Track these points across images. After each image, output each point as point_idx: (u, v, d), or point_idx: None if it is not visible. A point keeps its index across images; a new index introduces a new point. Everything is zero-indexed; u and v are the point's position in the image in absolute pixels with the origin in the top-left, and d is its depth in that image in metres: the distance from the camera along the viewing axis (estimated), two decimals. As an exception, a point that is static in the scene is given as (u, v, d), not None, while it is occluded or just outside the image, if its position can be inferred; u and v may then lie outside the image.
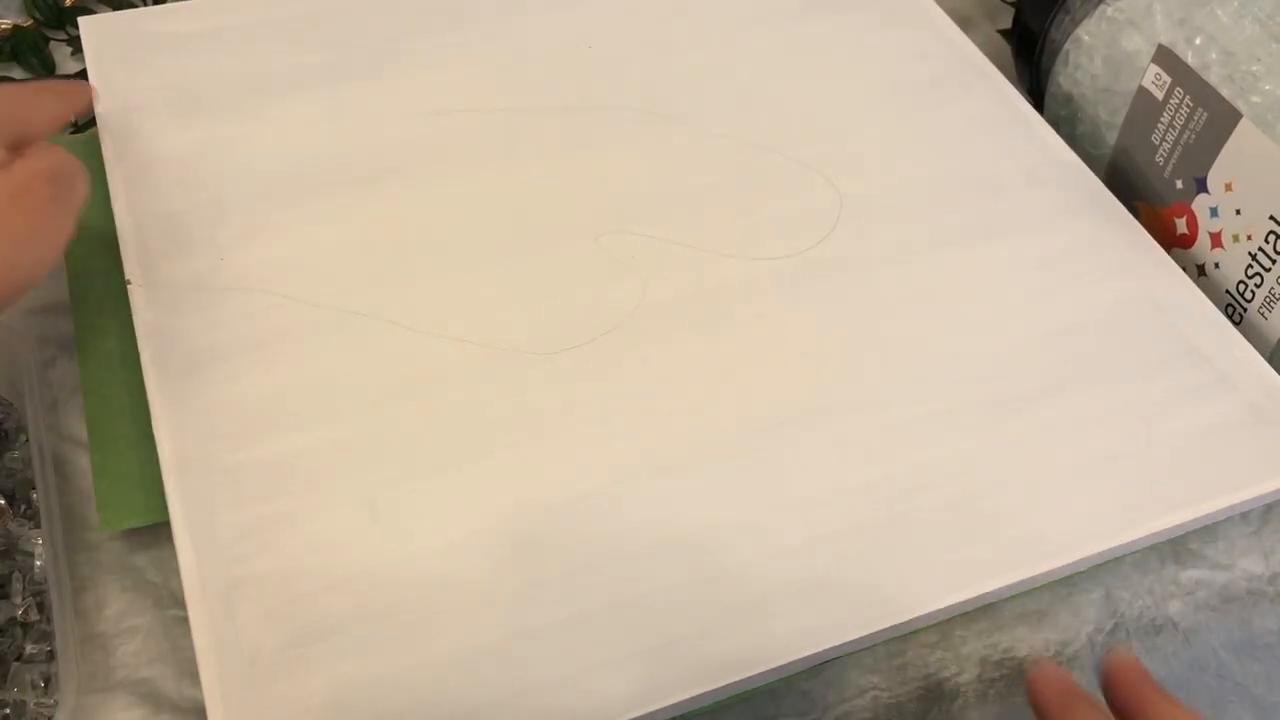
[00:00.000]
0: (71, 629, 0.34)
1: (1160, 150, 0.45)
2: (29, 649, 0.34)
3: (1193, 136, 0.44)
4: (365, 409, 0.36)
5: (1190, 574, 0.39)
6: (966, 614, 0.36)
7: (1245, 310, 0.43)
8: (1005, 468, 0.37)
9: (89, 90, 0.42)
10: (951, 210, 0.44)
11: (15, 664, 0.33)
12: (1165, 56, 0.44)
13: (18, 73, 0.52)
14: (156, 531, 0.36)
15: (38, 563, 0.35)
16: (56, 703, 0.33)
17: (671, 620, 0.33)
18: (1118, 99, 0.47)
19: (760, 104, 0.47)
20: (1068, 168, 0.47)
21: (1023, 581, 0.35)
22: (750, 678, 0.32)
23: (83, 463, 0.38)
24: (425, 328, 0.39)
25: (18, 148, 0.34)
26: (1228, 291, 0.44)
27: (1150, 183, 0.46)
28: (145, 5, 0.54)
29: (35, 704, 0.33)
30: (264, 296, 0.39)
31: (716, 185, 0.44)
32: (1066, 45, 0.50)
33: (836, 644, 0.33)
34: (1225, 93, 0.42)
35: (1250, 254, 0.42)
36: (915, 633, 0.36)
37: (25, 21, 0.54)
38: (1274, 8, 0.42)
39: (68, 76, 0.51)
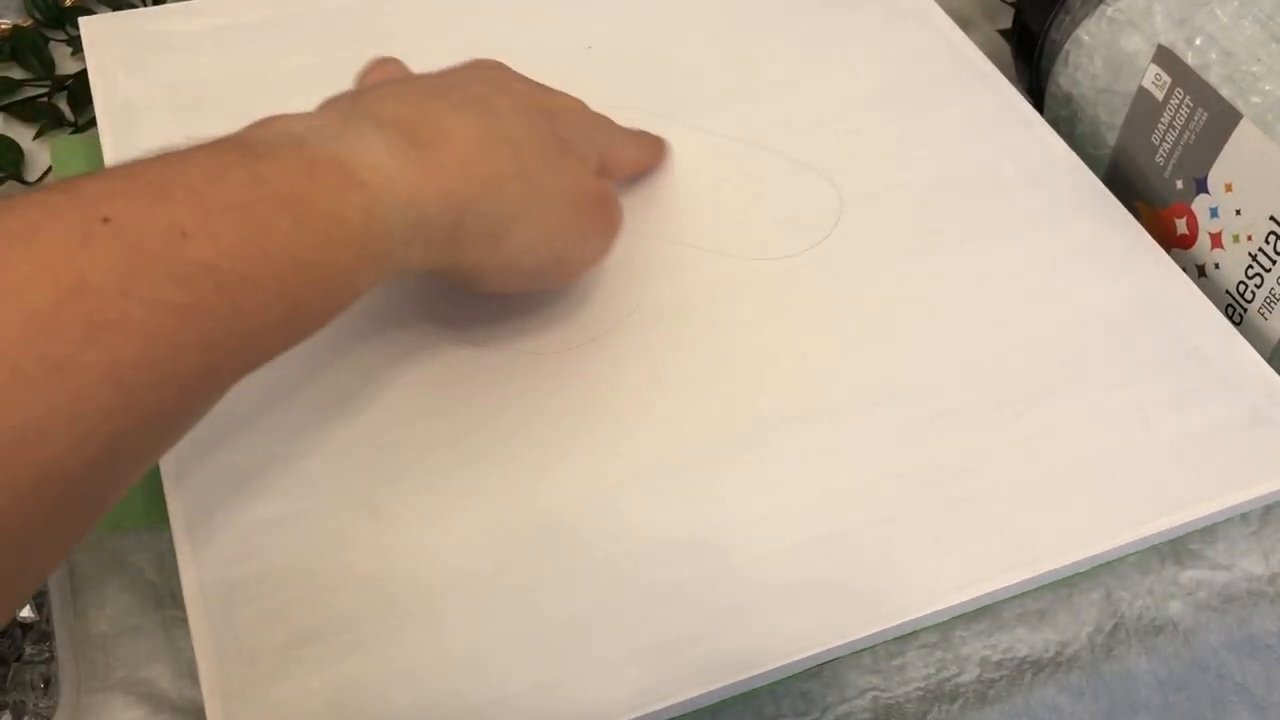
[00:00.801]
0: (71, 629, 0.34)
1: (1160, 150, 0.45)
2: (29, 650, 0.34)
3: (1193, 137, 0.44)
4: (365, 409, 0.36)
5: (1190, 574, 0.39)
6: (966, 614, 0.36)
7: (1245, 311, 0.43)
8: (1006, 468, 0.37)
9: (662, 154, 0.45)
10: (951, 210, 0.44)
11: (15, 664, 0.33)
12: (1165, 57, 0.44)
13: (17, 73, 0.52)
14: (156, 531, 0.36)
15: (38, 563, 0.35)
16: (56, 703, 0.33)
17: (671, 620, 0.33)
18: (1118, 99, 0.47)
19: (760, 104, 0.47)
20: (1068, 168, 0.47)
21: (1023, 581, 0.35)
22: (750, 678, 0.32)
23: (83, 463, 0.38)
24: (425, 327, 0.39)
25: (602, 163, 0.39)
26: (1228, 292, 0.44)
27: (1150, 183, 0.46)
28: (145, 5, 0.54)
29: (35, 704, 0.33)
30: (264, 296, 0.39)
31: (716, 185, 0.44)
32: (1066, 45, 0.50)
33: (837, 644, 0.33)
34: (1225, 93, 0.42)
35: (1250, 254, 0.42)
36: (915, 633, 0.36)
37: (25, 21, 0.54)
38: (1274, 8, 0.42)
39: (69, 76, 0.51)
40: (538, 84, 0.38)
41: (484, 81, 0.35)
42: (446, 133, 0.32)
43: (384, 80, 0.36)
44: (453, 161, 0.32)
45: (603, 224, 0.38)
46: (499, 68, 0.38)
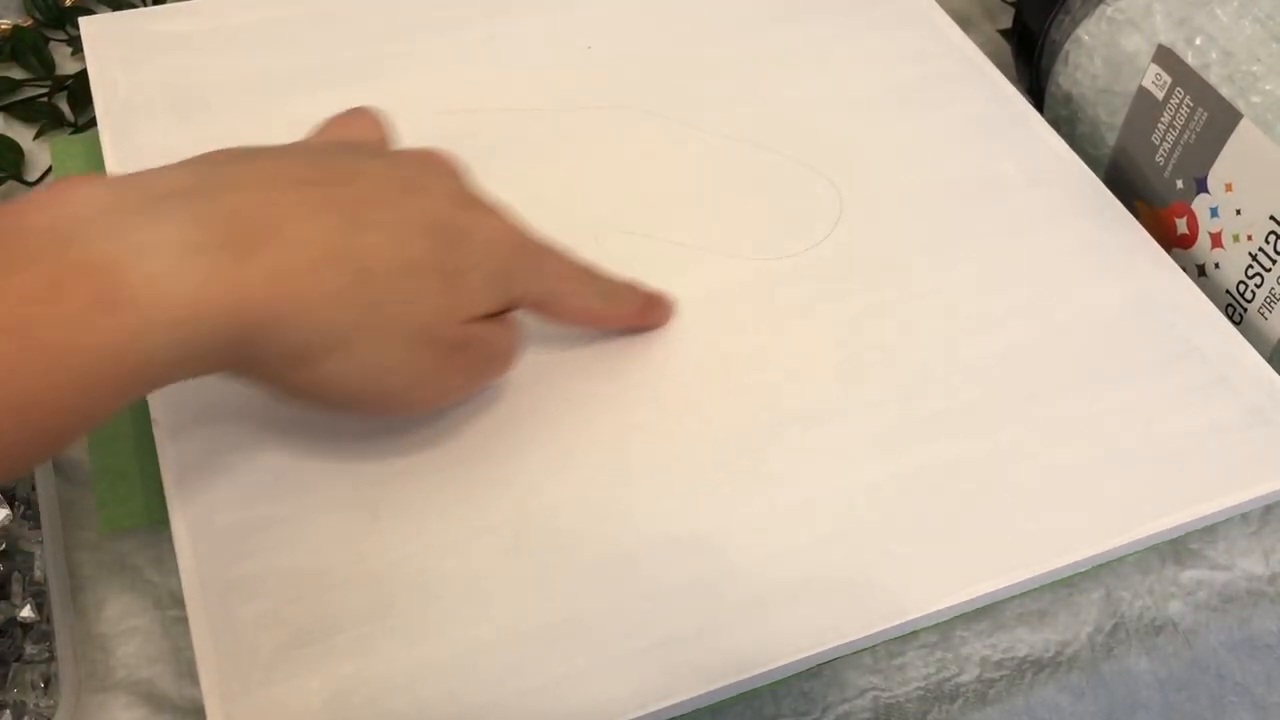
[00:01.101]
0: (71, 629, 0.34)
1: (1160, 150, 0.45)
2: (29, 649, 0.34)
3: (1193, 136, 0.44)
4: (365, 409, 0.36)
5: (1190, 574, 0.39)
6: (966, 614, 0.36)
7: (1245, 310, 0.43)
8: (1005, 468, 0.37)
9: (648, 316, 0.39)
10: (951, 210, 0.44)
11: (15, 664, 0.33)
12: (1165, 56, 0.44)
13: (17, 73, 0.52)
14: (156, 531, 0.36)
15: (38, 563, 0.35)
16: (57, 703, 0.33)
17: (671, 620, 0.33)
18: (1118, 99, 0.47)
19: (760, 104, 0.47)
20: (1068, 168, 0.47)
21: (1023, 581, 0.35)
22: (750, 678, 0.32)
23: (83, 463, 0.38)
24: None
25: (533, 304, 0.34)
26: (1228, 291, 0.44)
27: (1150, 183, 0.46)
28: (145, 5, 0.54)
29: (35, 704, 0.33)
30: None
31: (716, 185, 0.44)
32: (1066, 45, 0.50)
33: (836, 644, 0.33)
34: (1225, 93, 0.42)
35: (1250, 254, 0.42)
36: (915, 633, 0.36)
37: (25, 21, 0.54)
38: (1274, 8, 0.42)
39: (69, 76, 0.51)
40: (470, 198, 0.33)
41: (395, 180, 0.31)
42: (281, 237, 0.28)
43: (323, 143, 0.33)
44: (269, 272, 0.27)
45: (456, 372, 0.33)
46: (438, 165, 0.33)
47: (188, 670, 0.34)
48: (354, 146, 0.33)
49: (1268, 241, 0.41)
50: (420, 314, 0.30)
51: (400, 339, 0.30)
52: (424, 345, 0.31)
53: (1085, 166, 0.47)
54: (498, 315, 0.33)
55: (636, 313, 0.39)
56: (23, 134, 0.49)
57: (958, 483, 0.36)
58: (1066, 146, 0.47)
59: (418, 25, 0.49)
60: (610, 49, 0.49)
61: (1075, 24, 0.49)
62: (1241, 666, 0.37)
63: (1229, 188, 0.43)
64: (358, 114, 0.35)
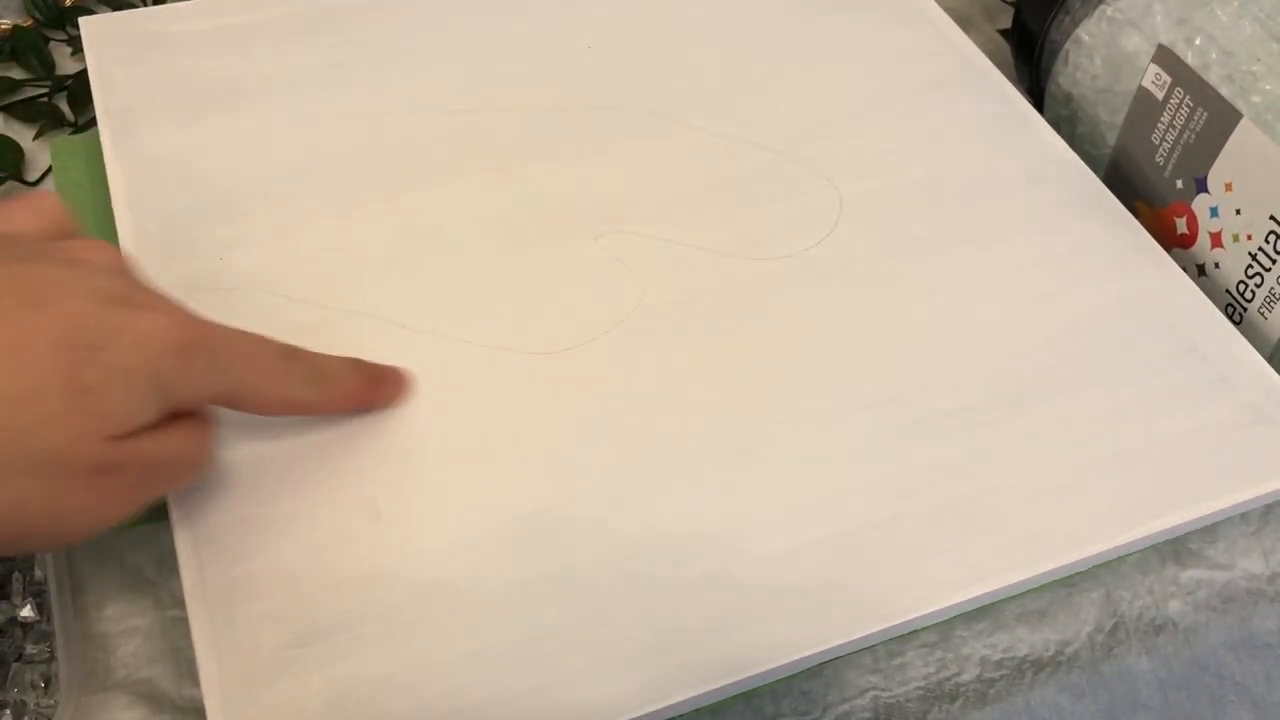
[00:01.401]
0: (71, 629, 0.34)
1: (1160, 150, 0.45)
2: (29, 649, 0.34)
3: (1193, 136, 0.44)
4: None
5: (1190, 574, 0.39)
6: (966, 614, 0.36)
7: (1245, 310, 0.43)
8: (1005, 468, 0.37)
9: (385, 394, 0.36)
10: (951, 210, 0.44)
11: (15, 664, 0.33)
12: (1165, 56, 0.44)
13: (17, 73, 0.52)
14: (156, 531, 0.36)
15: (38, 562, 0.35)
16: (56, 703, 0.33)
17: (671, 620, 0.33)
18: (1118, 99, 0.47)
19: (760, 104, 0.47)
20: (1068, 168, 0.47)
21: (1023, 581, 0.35)
22: (750, 677, 0.32)
23: (83, 463, 0.38)
24: (425, 327, 0.39)
25: (218, 401, 0.31)
26: (1228, 291, 0.44)
27: (1150, 183, 0.46)
28: (145, 5, 0.54)
29: (35, 704, 0.33)
30: (265, 296, 0.39)
31: (716, 185, 0.44)
32: (1066, 45, 0.50)
33: (836, 644, 0.33)
34: (1225, 93, 0.42)
35: (1250, 254, 0.42)
36: (915, 633, 0.36)
37: (25, 21, 0.54)
38: (1274, 8, 0.42)
39: (69, 76, 0.51)
40: (124, 296, 0.28)
41: (20, 287, 0.27)
42: None
43: None
44: None
45: (113, 494, 0.29)
46: (89, 261, 0.29)
47: (188, 670, 0.34)
48: None
49: (1268, 241, 0.41)
50: (46, 443, 0.26)
51: (25, 474, 0.26)
52: (57, 475, 0.27)
53: (1085, 166, 0.47)
54: (180, 418, 0.30)
55: (357, 394, 0.35)
56: (23, 134, 0.49)
57: (957, 482, 0.36)
58: (1066, 146, 0.47)
59: (417, 25, 0.49)
60: (610, 49, 0.49)
61: (1075, 24, 0.49)
62: (1241, 666, 0.37)
63: (1229, 187, 0.43)
64: (18, 205, 0.31)
